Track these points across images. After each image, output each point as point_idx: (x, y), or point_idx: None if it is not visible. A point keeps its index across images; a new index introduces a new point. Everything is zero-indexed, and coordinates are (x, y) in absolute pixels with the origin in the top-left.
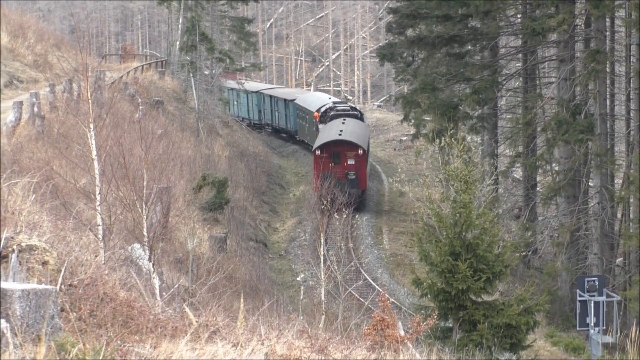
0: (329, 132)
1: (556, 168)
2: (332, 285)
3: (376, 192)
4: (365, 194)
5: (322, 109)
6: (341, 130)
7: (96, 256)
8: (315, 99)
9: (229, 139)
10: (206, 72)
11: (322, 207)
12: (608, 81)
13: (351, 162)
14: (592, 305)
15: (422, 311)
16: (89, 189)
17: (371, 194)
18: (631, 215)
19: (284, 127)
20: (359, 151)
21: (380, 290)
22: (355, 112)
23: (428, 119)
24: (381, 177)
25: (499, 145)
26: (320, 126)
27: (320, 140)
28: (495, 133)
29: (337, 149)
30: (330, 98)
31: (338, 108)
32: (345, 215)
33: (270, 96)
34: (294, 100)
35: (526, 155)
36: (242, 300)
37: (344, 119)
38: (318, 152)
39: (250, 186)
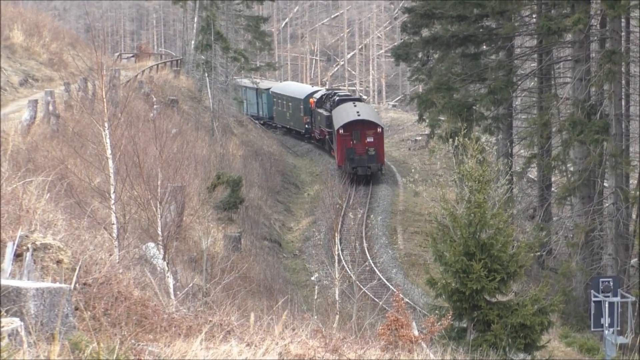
0: (346, 114)
1: (571, 168)
2: (346, 285)
3: (391, 192)
4: (383, 168)
5: (317, 96)
6: (358, 112)
7: (110, 255)
8: (296, 88)
9: (243, 138)
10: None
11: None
12: (623, 82)
13: (370, 139)
14: (607, 305)
15: (437, 311)
16: (103, 188)
17: (386, 193)
18: None
19: (255, 114)
20: (378, 129)
21: (395, 290)
22: (359, 97)
23: (443, 119)
24: (396, 177)
25: (514, 145)
26: (320, 110)
27: (342, 120)
28: (510, 133)
29: (358, 127)
30: (313, 86)
31: (340, 94)
32: (360, 215)
33: (239, 86)
34: (269, 89)
35: (541, 155)
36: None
37: (355, 103)
38: (341, 131)
39: (264, 185)
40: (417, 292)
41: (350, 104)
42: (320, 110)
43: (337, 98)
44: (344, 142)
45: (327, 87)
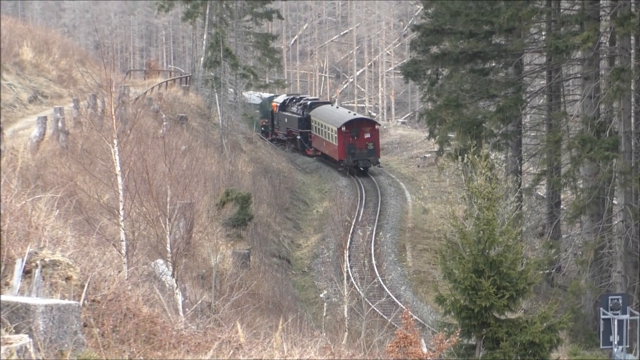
0: (338, 114)
1: (581, 186)
2: (355, 302)
3: (399, 209)
4: (379, 161)
5: (280, 100)
6: (349, 111)
7: (119, 272)
8: (247, 94)
9: (252, 155)
10: (230, 90)
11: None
12: (632, 99)
13: (368, 135)
14: (616, 323)
15: (445, 328)
16: (112, 205)
17: (394, 210)
18: None
19: None
20: (376, 126)
21: (404, 307)
22: (329, 100)
23: (452, 136)
24: (405, 194)
25: (523, 162)
26: (287, 113)
27: (341, 120)
28: (520, 150)
29: (357, 125)
30: (263, 93)
31: (309, 98)
32: (368, 232)
33: None
34: None
35: (551, 173)
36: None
37: (337, 106)
38: (344, 129)
39: (273, 202)
40: (426, 309)
41: (328, 106)
42: (288, 113)
43: (309, 102)
44: (345, 139)
45: (287, 93)
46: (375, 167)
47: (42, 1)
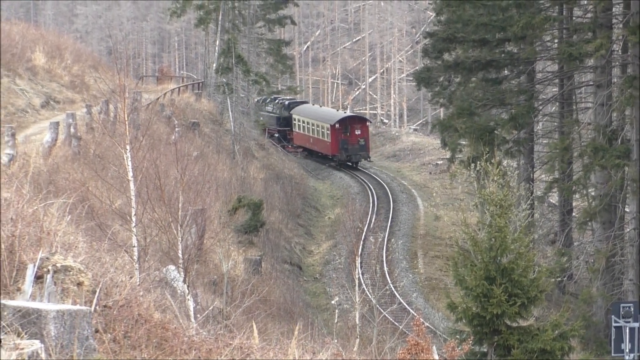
0: (328, 112)
1: (592, 193)
2: (366, 309)
3: (411, 215)
4: (369, 156)
5: (255, 100)
6: (338, 110)
7: (131, 277)
8: None
9: (264, 161)
10: (242, 95)
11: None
12: None
13: (359, 132)
14: (628, 331)
15: (457, 336)
16: (124, 210)
17: (406, 217)
18: None
19: None
20: (366, 123)
21: (415, 314)
22: (305, 100)
23: (464, 143)
24: (417, 201)
25: (535, 170)
26: (263, 113)
27: (333, 117)
28: (532, 158)
29: (349, 122)
30: None
31: (285, 98)
32: (380, 239)
33: None
34: None
35: (563, 180)
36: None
37: (318, 105)
38: (337, 126)
39: (285, 209)
40: (438, 316)
41: (308, 105)
42: (263, 112)
43: (287, 101)
44: (338, 135)
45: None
46: (381, 173)
47: (55, 5)
